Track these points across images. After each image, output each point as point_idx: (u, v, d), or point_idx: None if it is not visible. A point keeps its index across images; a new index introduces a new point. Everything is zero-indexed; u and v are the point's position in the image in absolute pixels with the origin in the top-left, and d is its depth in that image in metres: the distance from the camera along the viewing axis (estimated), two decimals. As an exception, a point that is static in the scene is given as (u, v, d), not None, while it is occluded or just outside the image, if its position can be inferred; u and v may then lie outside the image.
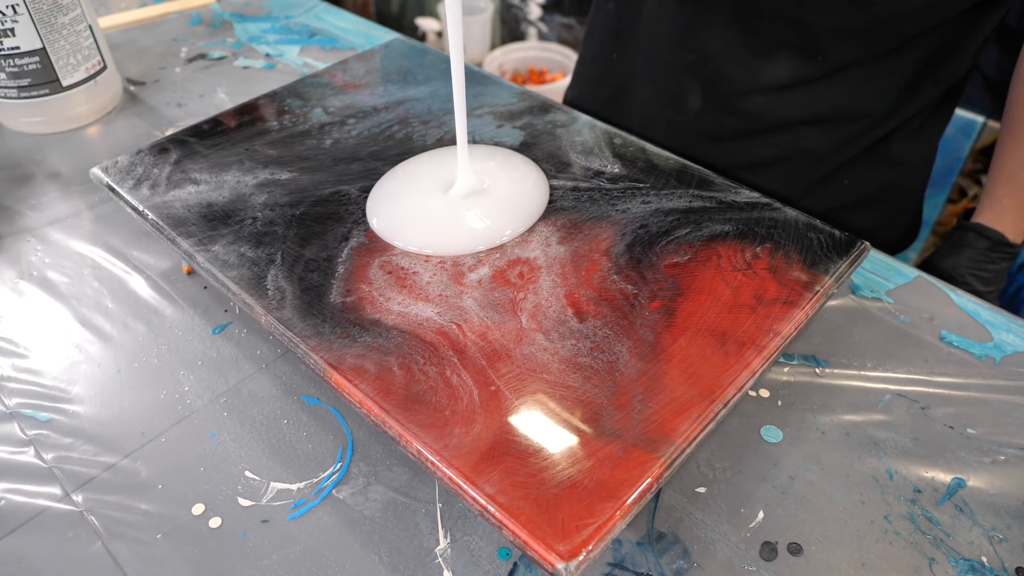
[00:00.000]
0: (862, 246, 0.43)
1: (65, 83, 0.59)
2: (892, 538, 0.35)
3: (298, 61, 0.71)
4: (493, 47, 1.88)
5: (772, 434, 0.39)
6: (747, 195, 0.46)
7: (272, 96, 0.56)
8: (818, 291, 0.40)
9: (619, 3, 0.61)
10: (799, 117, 0.55)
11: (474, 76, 0.59)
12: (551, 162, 0.49)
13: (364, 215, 0.45)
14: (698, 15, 0.54)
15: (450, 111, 0.54)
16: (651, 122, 0.60)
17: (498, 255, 0.42)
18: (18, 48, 0.56)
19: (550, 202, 0.46)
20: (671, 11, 0.56)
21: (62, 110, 0.60)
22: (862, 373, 0.42)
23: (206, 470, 0.37)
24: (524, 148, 0.51)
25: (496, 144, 0.51)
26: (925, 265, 0.62)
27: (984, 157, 1.13)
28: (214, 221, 0.44)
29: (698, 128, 0.58)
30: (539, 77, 1.79)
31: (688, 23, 0.55)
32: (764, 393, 0.41)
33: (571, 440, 0.33)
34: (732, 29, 0.53)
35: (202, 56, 0.72)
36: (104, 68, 0.62)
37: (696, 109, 0.58)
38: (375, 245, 0.43)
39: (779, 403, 0.41)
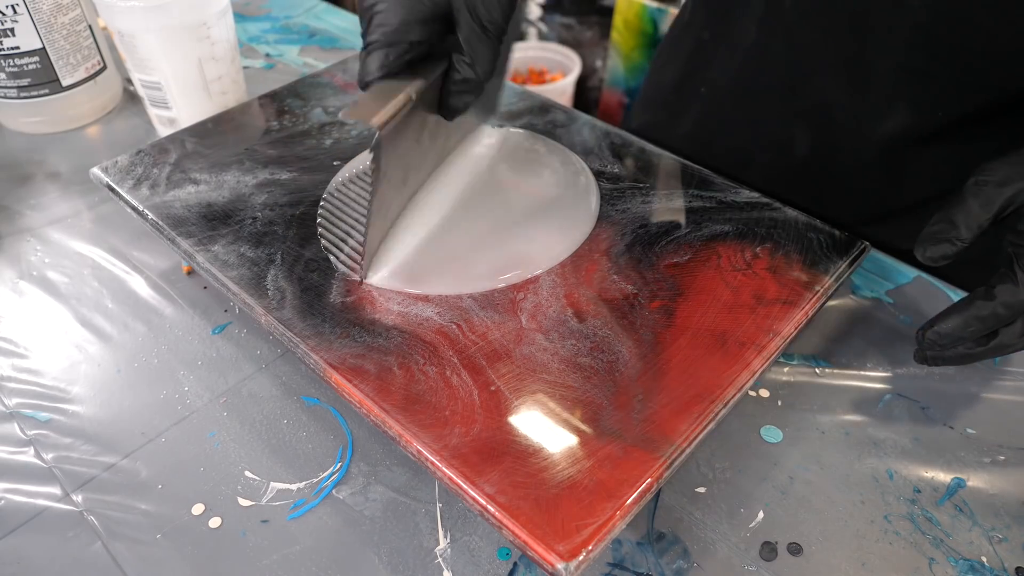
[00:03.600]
0: (862, 246, 0.43)
1: (65, 83, 0.59)
2: (892, 538, 0.35)
3: (298, 61, 0.71)
4: (493, 47, 1.88)
5: (772, 434, 0.39)
6: (747, 195, 0.46)
7: (272, 96, 0.56)
8: (818, 291, 0.40)
9: (716, 35, 0.56)
10: (913, 174, 0.50)
11: (474, 76, 0.59)
12: (551, 162, 0.49)
13: (363, 213, 0.45)
14: (814, 60, 0.50)
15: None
16: (746, 164, 0.55)
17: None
18: (18, 48, 0.56)
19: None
20: (780, 54, 0.51)
21: (62, 110, 0.60)
22: (862, 373, 0.42)
23: (206, 470, 0.37)
24: (524, 148, 0.51)
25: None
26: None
27: None
28: (214, 221, 0.44)
29: (806, 175, 0.54)
30: (539, 77, 1.79)
31: (800, 69, 0.51)
32: (764, 393, 0.41)
33: (571, 440, 0.33)
34: (852, 76, 0.48)
35: (202, 56, 0.72)
36: (104, 68, 0.62)
37: (803, 155, 0.53)
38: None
39: (779, 403, 0.41)
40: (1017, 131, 0.44)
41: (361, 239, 0.41)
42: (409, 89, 0.37)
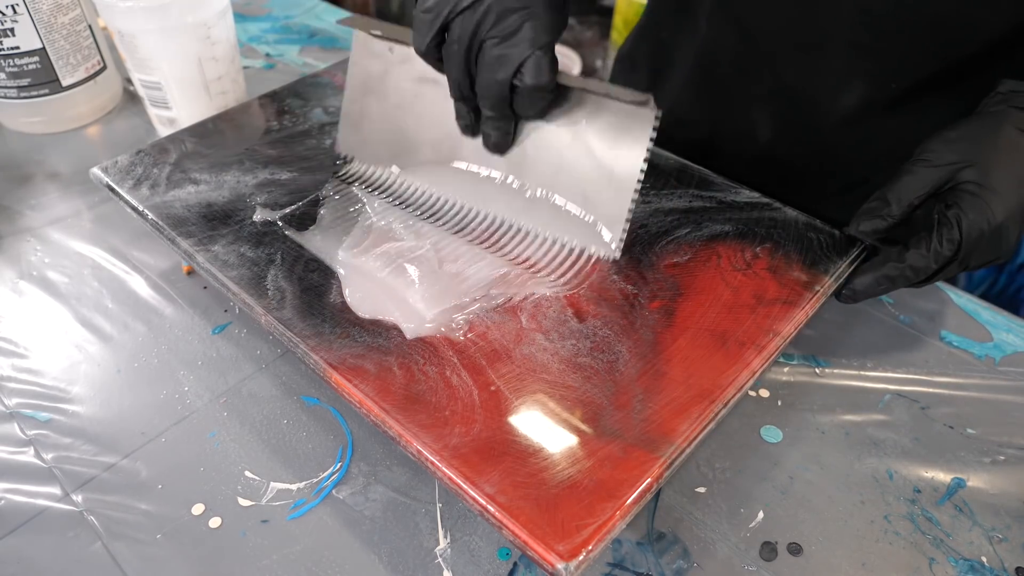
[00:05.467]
0: (862, 246, 0.43)
1: (65, 83, 0.59)
2: (892, 538, 0.35)
3: (298, 61, 0.71)
4: (493, 47, 1.88)
5: (772, 434, 0.39)
6: (747, 195, 0.46)
7: (272, 96, 0.56)
8: (818, 291, 0.40)
9: (673, 33, 0.56)
10: (874, 145, 0.51)
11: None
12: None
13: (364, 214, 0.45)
14: (767, 46, 0.50)
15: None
16: (711, 155, 0.55)
17: (498, 255, 0.42)
18: (18, 48, 0.56)
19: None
20: (731, 45, 0.52)
21: (62, 110, 0.60)
22: (862, 373, 0.42)
23: (206, 470, 0.37)
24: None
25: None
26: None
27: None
28: (214, 221, 0.44)
29: (771, 158, 0.54)
30: (539, 77, 1.79)
31: (758, 55, 0.51)
32: (764, 393, 0.41)
33: (571, 440, 0.33)
34: (805, 57, 0.49)
35: (202, 56, 0.72)
36: (104, 68, 0.62)
37: (766, 140, 0.54)
38: (374, 244, 0.43)
39: (779, 403, 0.41)
40: (968, 93, 0.45)
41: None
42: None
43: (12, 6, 0.54)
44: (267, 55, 0.72)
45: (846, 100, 0.49)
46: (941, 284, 0.48)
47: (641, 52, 0.61)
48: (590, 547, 0.29)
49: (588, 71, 1.75)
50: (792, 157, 0.53)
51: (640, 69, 0.61)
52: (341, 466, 0.37)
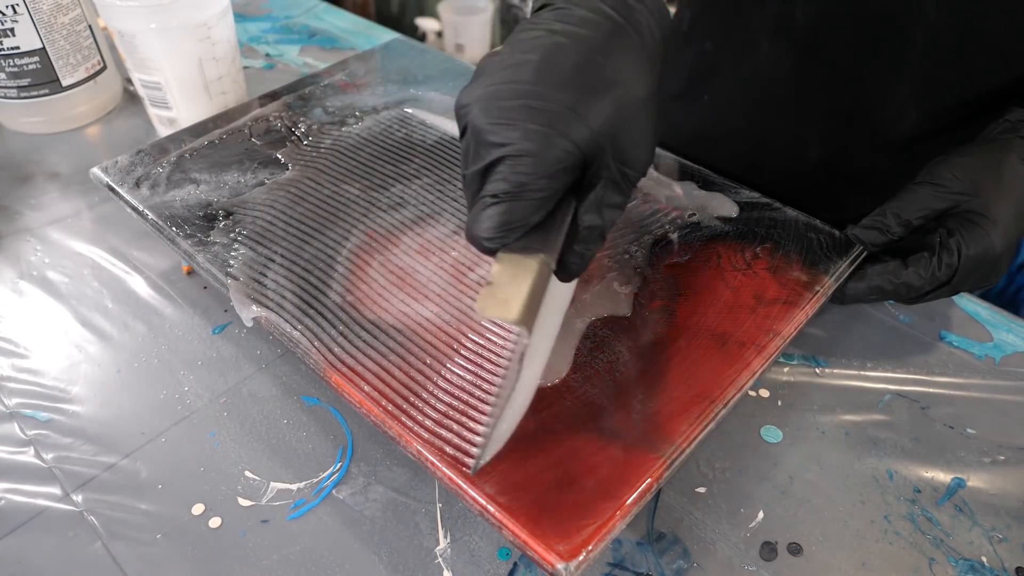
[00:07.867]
0: (862, 247, 0.43)
1: (65, 83, 0.59)
2: (892, 538, 0.35)
3: (298, 61, 0.71)
4: (493, 47, 1.88)
5: (772, 434, 0.39)
6: (747, 195, 0.46)
7: (272, 96, 0.56)
8: (818, 291, 0.40)
9: (719, 45, 0.56)
10: (918, 170, 0.48)
11: (474, 76, 0.59)
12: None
13: (363, 214, 0.45)
14: (829, 73, 0.50)
15: (450, 111, 0.54)
16: (756, 169, 0.54)
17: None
18: (18, 48, 0.56)
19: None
20: (792, 67, 0.51)
21: (62, 110, 0.60)
22: (862, 373, 0.42)
23: (206, 470, 0.37)
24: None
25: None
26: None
27: None
28: (214, 221, 0.44)
29: (816, 177, 0.54)
30: (539, 77, 1.79)
31: (817, 80, 0.50)
32: (764, 393, 0.41)
33: (571, 440, 0.33)
34: (866, 85, 0.49)
35: (202, 56, 0.72)
36: (104, 68, 0.62)
37: (815, 160, 0.53)
38: (375, 245, 0.43)
39: (779, 403, 0.41)
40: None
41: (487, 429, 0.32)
42: (543, 257, 0.29)
43: (12, 6, 0.54)
44: (267, 55, 0.72)
45: (900, 127, 0.49)
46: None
47: (680, 58, 0.60)
48: (590, 547, 0.29)
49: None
50: (836, 178, 0.53)
51: (678, 73, 0.60)
52: (341, 466, 0.37)
